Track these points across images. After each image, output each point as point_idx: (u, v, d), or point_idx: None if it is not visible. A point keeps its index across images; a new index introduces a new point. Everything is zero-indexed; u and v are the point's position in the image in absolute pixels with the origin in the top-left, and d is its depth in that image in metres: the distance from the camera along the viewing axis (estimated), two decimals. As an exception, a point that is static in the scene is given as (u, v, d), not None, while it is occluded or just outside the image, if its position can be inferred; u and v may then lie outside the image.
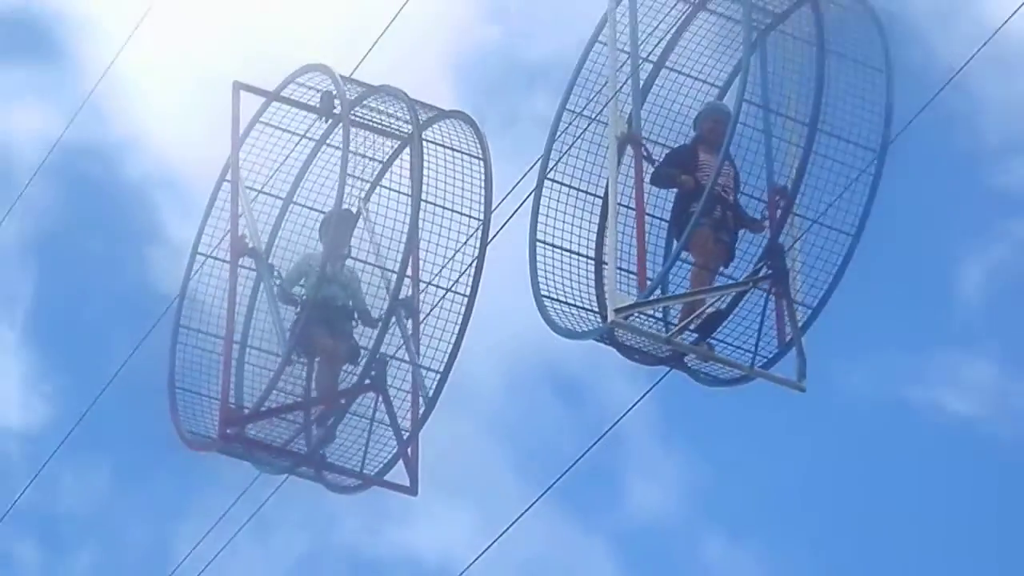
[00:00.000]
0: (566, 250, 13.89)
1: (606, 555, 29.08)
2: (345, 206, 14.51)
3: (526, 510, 14.55)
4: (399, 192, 14.82)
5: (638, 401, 13.55)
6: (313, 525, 26.66)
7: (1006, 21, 11.94)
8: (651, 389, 13.47)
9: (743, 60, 13.11)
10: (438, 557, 26.88)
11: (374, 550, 28.67)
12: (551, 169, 13.83)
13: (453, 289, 14.25)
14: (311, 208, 15.04)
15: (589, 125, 13.86)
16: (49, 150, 21.49)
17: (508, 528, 14.68)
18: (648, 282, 13.01)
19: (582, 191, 13.92)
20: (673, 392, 14.05)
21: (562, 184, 13.82)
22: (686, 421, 25.56)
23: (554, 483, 14.32)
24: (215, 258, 14.81)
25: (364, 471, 14.12)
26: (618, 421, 13.92)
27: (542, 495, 14.39)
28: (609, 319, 13.04)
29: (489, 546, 15.55)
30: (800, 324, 12.96)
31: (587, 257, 13.81)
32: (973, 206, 26.51)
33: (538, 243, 13.76)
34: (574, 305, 13.85)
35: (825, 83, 12.70)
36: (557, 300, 13.76)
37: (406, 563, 28.66)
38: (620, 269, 13.34)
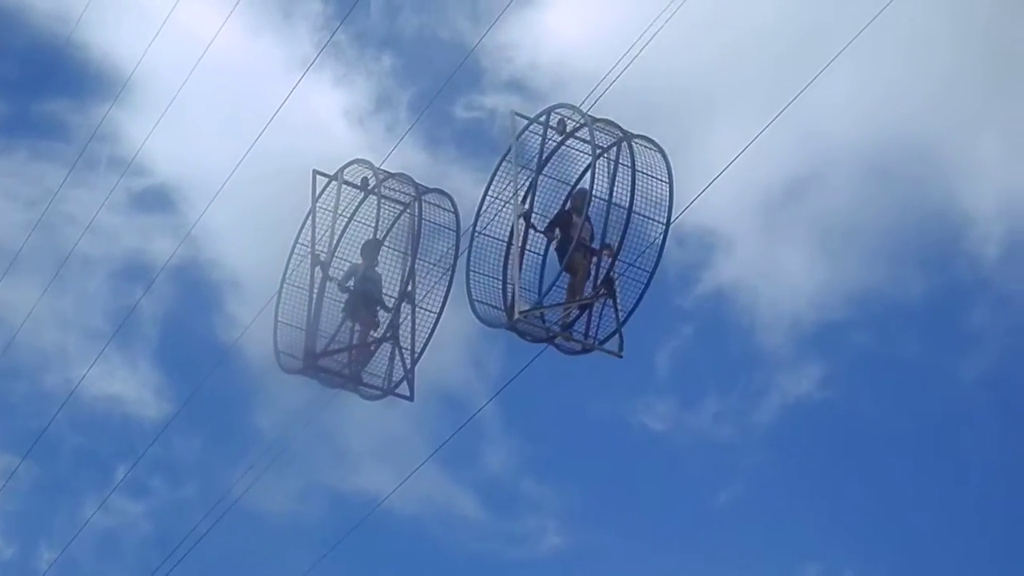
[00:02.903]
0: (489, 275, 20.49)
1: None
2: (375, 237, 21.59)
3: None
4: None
5: (520, 371, 21.11)
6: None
7: (740, 154, 19.52)
8: (530, 363, 20.81)
9: (591, 164, 19.48)
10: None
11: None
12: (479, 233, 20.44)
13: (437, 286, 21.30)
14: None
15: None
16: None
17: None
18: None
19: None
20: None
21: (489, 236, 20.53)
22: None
23: (460, 428, 23.12)
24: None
25: (385, 387, 21.25)
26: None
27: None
28: (515, 317, 19.68)
29: (404, 480, 24.80)
30: (622, 319, 19.81)
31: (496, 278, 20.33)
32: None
33: (471, 272, 20.40)
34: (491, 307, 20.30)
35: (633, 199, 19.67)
36: (483, 303, 20.34)
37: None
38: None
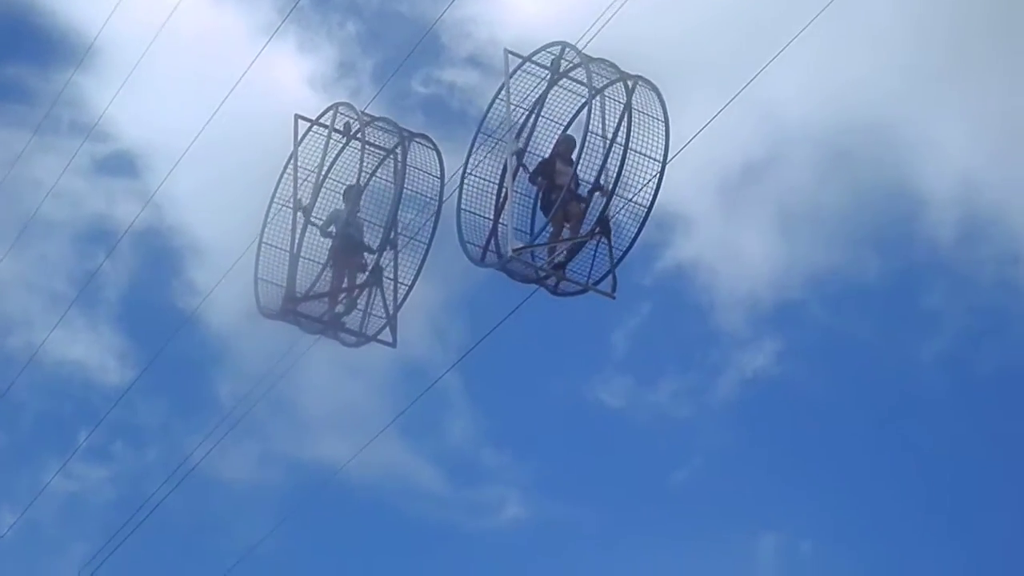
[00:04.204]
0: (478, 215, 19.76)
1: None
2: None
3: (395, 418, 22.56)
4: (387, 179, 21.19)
5: (509, 315, 20.14)
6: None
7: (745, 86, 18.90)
8: (520, 305, 19.94)
9: (588, 104, 18.80)
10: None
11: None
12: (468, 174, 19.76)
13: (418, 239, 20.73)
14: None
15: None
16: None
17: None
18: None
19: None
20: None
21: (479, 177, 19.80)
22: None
23: (420, 396, 22.48)
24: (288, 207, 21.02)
25: (367, 333, 20.69)
26: (490, 332, 20.65)
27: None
28: (509, 255, 18.90)
29: (363, 448, 23.99)
30: (615, 261, 19.08)
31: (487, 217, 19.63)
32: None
33: (462, 210, 19.64)
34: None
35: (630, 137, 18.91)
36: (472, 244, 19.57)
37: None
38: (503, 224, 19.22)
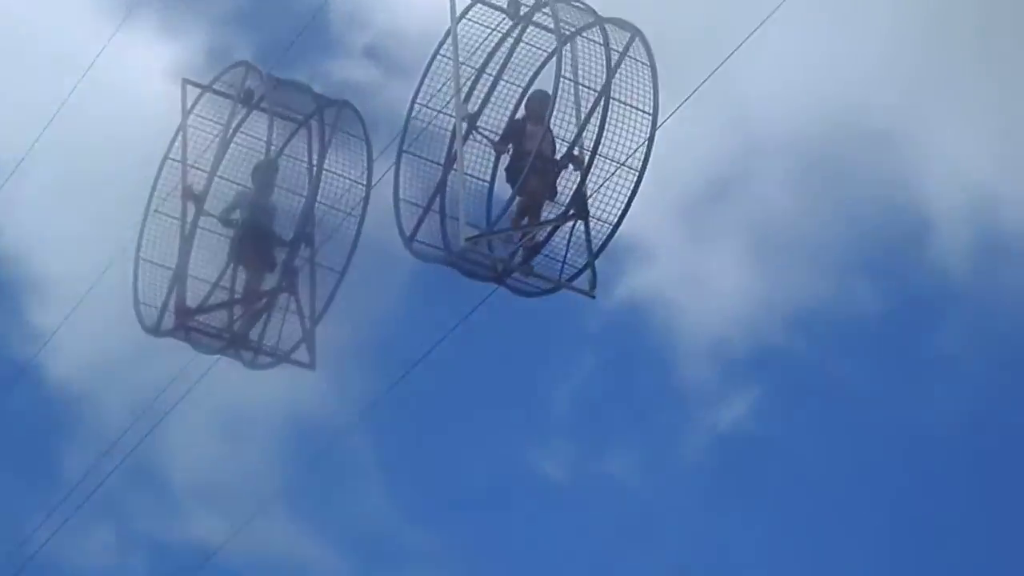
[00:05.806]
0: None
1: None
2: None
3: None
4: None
5: (458, 323, 17.07)
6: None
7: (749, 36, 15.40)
8: (475, 308, 16.78)
9: (557, 49, 15.57)
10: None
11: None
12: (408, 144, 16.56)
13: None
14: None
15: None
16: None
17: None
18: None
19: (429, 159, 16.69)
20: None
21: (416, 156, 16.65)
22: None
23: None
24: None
25: (277, 352, 17.56)
26: (439, 342, 17.41)
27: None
28: (461, 245, 15.72)
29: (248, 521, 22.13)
30: (594, 250, 15.98)
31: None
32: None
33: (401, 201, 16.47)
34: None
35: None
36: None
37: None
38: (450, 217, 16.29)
